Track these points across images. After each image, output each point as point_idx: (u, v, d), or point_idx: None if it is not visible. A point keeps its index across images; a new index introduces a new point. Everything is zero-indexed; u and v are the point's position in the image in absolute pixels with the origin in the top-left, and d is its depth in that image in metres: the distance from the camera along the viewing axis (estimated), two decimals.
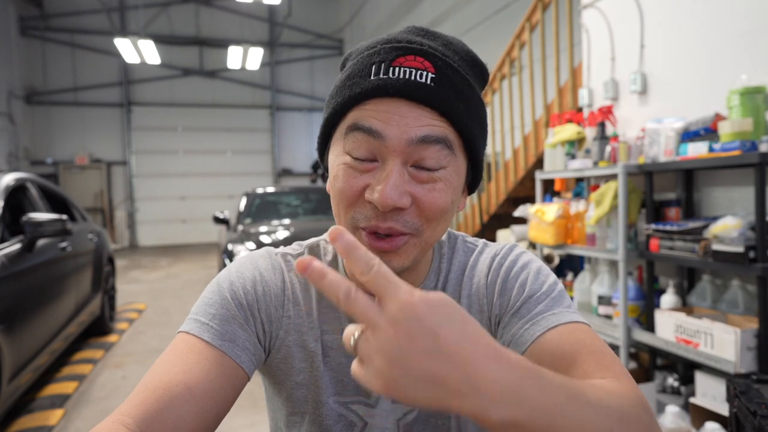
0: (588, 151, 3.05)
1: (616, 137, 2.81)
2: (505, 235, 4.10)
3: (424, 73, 0.62)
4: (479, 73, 0.70)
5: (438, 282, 0.77)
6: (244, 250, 4.50)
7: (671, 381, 2.53)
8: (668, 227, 2.34)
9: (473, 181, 0.72)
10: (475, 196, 5.15)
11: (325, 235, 0.82)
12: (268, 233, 4.91)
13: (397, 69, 0.62)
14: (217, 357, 0.65)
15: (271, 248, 0.80)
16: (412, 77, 0.61)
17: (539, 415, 0.42)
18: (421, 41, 0.65)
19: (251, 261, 0.76)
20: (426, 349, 0.40)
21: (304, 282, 0.77)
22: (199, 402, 0.61)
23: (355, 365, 0.43)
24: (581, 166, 2.94)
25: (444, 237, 0.81)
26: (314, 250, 0.81)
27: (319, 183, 12.57)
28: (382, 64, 0.63)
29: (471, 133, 0.65)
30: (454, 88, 0.63)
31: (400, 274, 0.72)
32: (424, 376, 0.40)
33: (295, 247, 0.81)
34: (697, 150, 2.25)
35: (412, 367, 0.40)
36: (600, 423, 0.46)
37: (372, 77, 0.63)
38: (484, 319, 0.74)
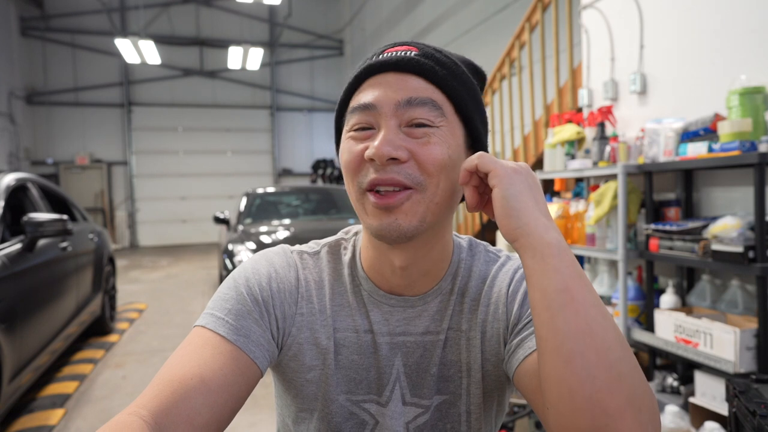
0: (588, 152, 3.05)
1: (615, 137, 2.81)
2: None
3: (410, 52, 0.70)
4: (473, 70, 0.75)
5: (455, 287, 0.77)
6: (244, 250, 4.51)
7: (671, 381, 2.53)
8: (668, 227, 2.35)
9: (474, 147, 0.73)
10: None
11: (342, 233, 0.84)
12: (269, 233, 4.91)
13: (386, 54, 0.71)
14: (231, 351, 0.66)
15: (287, 246, 0.82)
16: (399, 55, 0.70)
17: (568, 253, 0.59)
18: (411, 41, 0.74)
19: (266, 258, 0.78)
20: (527, 187, 0.62)
21: (318, 279, 0.78)
22: (214, 395, 0.62)
23: (478, 158, 0.64)
24: (581, 166, 2.94)
25: (464, 243, 0.81)
26: (334, 248, 0.81)
27: (319, 183, 12.57)
28: (374, 56, 0.72)
29: (459, 96, 0.70)
30: (438, 61, 0.70)
31: (410, 270, 0.74)
32: (523, 193, 0.61)
33: (313, 245, 0.82)
34: (697, 150, 2.26)
35: (519, 186, 0.61)
36: (605, 313, 0.56)
37: (366, 64, 0.72)
38: (502, 326, 0.74)
